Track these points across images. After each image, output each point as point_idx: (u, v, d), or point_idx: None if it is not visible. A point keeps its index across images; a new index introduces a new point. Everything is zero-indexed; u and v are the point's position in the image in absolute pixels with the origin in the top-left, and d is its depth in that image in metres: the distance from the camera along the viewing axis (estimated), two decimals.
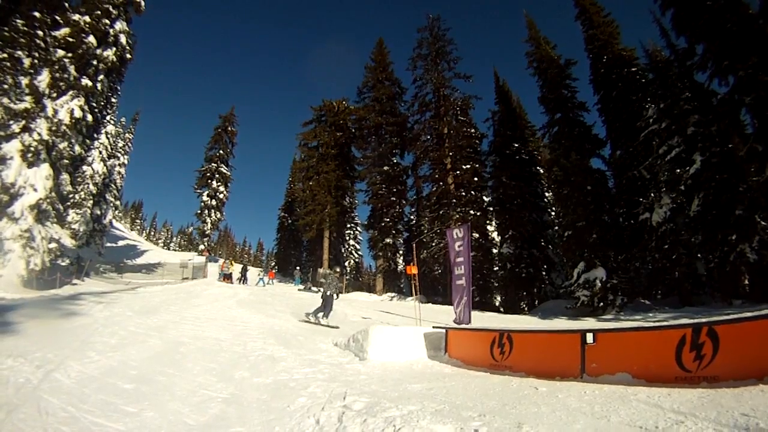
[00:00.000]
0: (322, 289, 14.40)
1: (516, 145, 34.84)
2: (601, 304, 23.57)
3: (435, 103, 35.78)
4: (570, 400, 4.48)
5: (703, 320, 4.73)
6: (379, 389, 5.70)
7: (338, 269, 15.72)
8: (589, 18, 30.50)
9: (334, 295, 14.29)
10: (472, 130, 35.63)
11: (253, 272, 43.89)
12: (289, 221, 58.31)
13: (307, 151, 45.03)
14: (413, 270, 13.61)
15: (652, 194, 24.61)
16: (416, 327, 9.66)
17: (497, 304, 34.97)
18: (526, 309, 31.39)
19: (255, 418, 4.77)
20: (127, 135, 55.62)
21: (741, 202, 20.98)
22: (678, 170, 23.70)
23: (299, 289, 33.84)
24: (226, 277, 34.14)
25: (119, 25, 25.80)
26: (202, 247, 51.78)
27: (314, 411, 4.74)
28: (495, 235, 36.00)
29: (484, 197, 34.71)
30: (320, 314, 13.73)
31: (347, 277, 43.02)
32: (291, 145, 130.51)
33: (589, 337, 5.45)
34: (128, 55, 27.15)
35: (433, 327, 9.18)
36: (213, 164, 52.73)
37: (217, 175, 52.49)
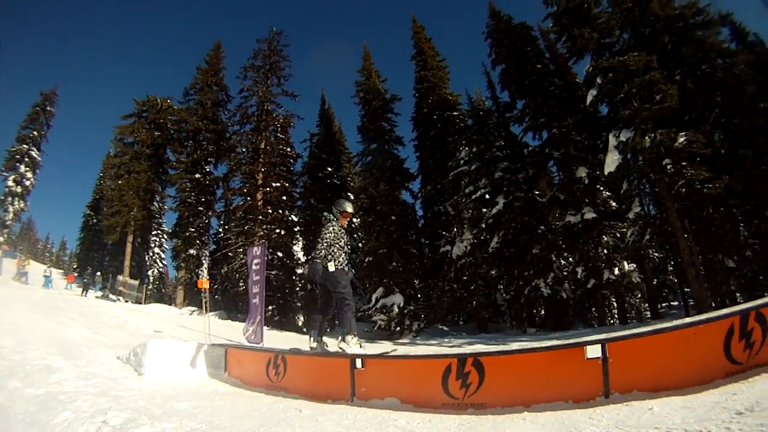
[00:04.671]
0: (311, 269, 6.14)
1: (330, 169, 32.86)
2: (398, 328, 22.58)
3: (257, 116, 31.72)
4: (328, 425, 4.15)
5: (469, 351, 5.44)
6: (145, 405, 4.99)
7: (349, 208, 6.55)
8: (425, 60, 30.37)
9: (340, 273, 6.00)
10: (289, 149, 32.20)
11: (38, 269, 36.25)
12: (95, 220, 49.72)
13: (122, 146, 37.64)
14: (204, 284, 12.35)
15: (455, 229, 24.47)
16: (200, 343, 8.24)
17: (300, 324, 31.61)
18: (328, 330, 28.35)
19: (19, 431, 4.09)
20: None
21: (539, 242, 22.02)
22: (484, 210, 23.87)
23: (97, 296, 29.51)
24: (21, 275, 28.59)
25: None
26: (1, 239, 41.86)
27: (75, 426, 4.09)
28: (301, 255, 32.51)
29: (293, 217, 31.26)
30: (316, 332, 6.49)
31: (149, 287, 37.19)
32: (107, 137, 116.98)
33: (358, 363, 5.08)
34: None
35: (212, 344, 8.16)
36: (24, 146, 42.67)
37: (26, 159, 42.46)
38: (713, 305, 19.30)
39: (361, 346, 5.86)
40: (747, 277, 20.84)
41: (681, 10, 20.84)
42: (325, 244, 6.01)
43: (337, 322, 7.10)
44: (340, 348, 5.76)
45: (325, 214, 6.40)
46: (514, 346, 12.22)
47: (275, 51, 33.59)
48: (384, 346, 17.03)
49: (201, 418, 4.51)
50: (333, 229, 6.13)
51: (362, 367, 5.04)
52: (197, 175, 33.41)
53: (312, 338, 6.38)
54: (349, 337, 5.78)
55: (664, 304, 33.17)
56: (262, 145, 30.52)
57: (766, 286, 19.85)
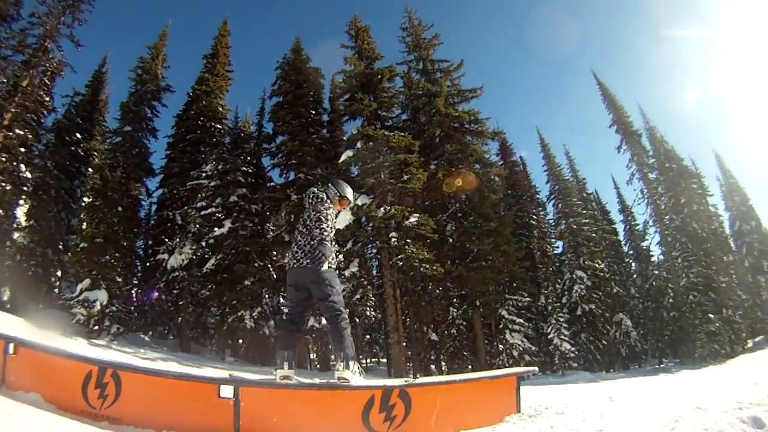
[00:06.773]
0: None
1: (79, 135, 28.82)
2: (97, 327, 20.48)
3: (34, 50, 26.87)
4: None
5: (109, 361, 4.64)
6: None
7: (350, 195, 4.90)
8: (214, 64, 28.61)
9: (333, 276, 4.38)
10: (48, 98, 27.92)
11: None
12: None
13: None
14: None
15: (178, 239, 22.86)
16: None
17: (5, 299, 27.39)
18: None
19: None
20: None
21: (253, 275, 21.87)
22: (215, 229, 22.97)
23: None
24: None
25: None
26: None
27: None
28: (23, 219, 26.60)
29: (28, 174, 26.32)
30: (291, 355, 4.34)
31: None
32: None
33: (11, 348, 4.47)
34: None
35: None
36: None
37: None
38: (411, 368, 21.73)
39: (361, 375, 4.35)
40: (449, 350, 23.47)
41: (460, 114, 23.69)
42: (331, 227, 4.34)
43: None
44: (341, 379, 4.06)
45: (316, 191, 4.46)
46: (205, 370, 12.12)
47: None
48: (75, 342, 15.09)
49: None
50: (331, 214, 4.42)
51: (14, 353, 4.55)
52: None
53: (286, 364, 4.18)
54: (352, 364, 4.14)
55: (374, 360, 35.15)
56: (25, 83, 26.22)
57: (467, 360, 22.98)
